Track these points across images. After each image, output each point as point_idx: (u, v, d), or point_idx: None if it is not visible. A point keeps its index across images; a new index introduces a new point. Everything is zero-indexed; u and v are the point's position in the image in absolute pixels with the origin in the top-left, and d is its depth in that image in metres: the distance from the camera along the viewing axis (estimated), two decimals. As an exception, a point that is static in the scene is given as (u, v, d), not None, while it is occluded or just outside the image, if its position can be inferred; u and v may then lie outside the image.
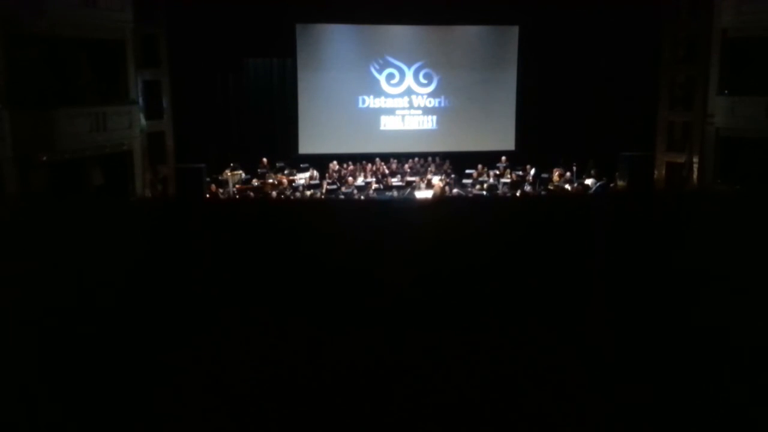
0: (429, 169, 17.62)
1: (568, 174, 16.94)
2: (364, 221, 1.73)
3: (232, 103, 18.12)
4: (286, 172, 16.84)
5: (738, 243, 1.65)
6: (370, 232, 1.67)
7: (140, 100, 14.56)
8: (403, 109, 19.12)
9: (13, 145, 11.28)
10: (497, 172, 17.04)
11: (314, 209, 2.10)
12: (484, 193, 16.17)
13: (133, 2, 13.74)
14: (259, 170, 16.82)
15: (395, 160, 17.92)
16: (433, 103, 19.23)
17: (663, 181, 16.65)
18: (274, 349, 1.43)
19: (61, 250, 1.61)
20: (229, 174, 16.35)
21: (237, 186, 16.13)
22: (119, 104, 13.77)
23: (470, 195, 15.79)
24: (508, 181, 16.66)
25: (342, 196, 15.52)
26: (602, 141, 17.46)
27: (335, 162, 17.43)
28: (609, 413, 1.36)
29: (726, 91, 15.16)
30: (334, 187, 16.33)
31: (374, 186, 16.41)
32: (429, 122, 19.28)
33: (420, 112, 19.22)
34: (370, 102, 18.94)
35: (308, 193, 15.85)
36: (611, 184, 16.68)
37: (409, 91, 19.05)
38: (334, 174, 17.12)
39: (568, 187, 16.37)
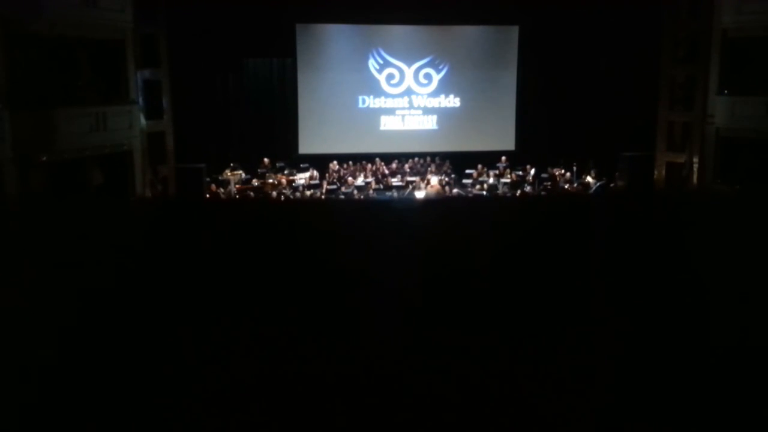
0: (429, 169, 17.62)
1: (568, 174, 16.94)
2: (364, 221, 1.73)
3: (232, 103, 18.12)
4: (286, 172, 16.84)
5: (738, 243, 1.65)
6: (369, 232, 1.67)
7: (140, 100, 14.56)
8: (403, 109, 19.13)
9: (13, 145, 11.28)
10: (497, 172, 17.05)
11: (314, 209, 2.10)
12: (484, 193, 16.17)
13: (133, 2, 13.73)
14: (259, 170, 16.82)
15: (395, 160, 17.93)
16: (433, 103, 19.23)
17: (663, 181, 16.64)
18: (273, 350, 1.43)
19: (60, 250, 1.61)
20: (229, 174, 16.36)
21: (237, 186, 16.13)
22: (119, 104, 13.77)
23: (470, 195, 15.79)
24: (508, 181, 16.66)
25: (342, 196, 15.52)
26: (602, 141, 17.46)
27: (335, 162, 17.43)
28: (609, 414, 1.36)
29: (726, 91, 15.16)
30: (334, 187, 16.33)
31: (374, 186, 16.41)
32: (429, 122, 19.29)
33: (420, 112, 19.23)
34: (370, 102, 18.95)
35: (308, 193, 15.85)
36: (611, 184, 16.68)
37: (409, 91, 19.05)
38: (334, 174, 17.13)
39: (567, 187, 16.38)
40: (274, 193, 15.69)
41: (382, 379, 1.37)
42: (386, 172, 17.37)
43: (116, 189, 13.54)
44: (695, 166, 15.92)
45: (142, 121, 14.63)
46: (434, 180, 16.36)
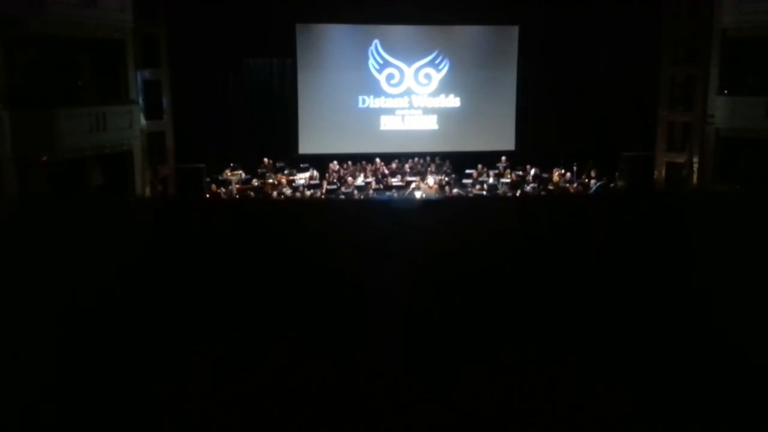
0: (429, 169, 17.61)
1: (568, 174, 16.94)
2: (364, 221, 1.73)
3: (232, 103, 18.12)
4: (286, 172, 16.84)
5: (738, 243, 1.65)
6: (369, 233, 1.67)
7: (140, 100, 14.56)
8: (403, 109, 19.12)
9: (13, 145, 11.28)
10: (497, 172, 17.04)
11: (314, 209, 2.10)
12: (484, 193, 16.17)
13: (133, 2, 13.73)
14: (259, 170, 16.82)
15: (395, 160, 17.92)
16: (433, 103, 19.22)
17: (663, 181, 16.64)
18: (273, 352, 1.43)
19: (60, 249, 1.61)
20: (229, 174, 16.36)
21: (237, 186, 16.14)
22: (119, 104, 13.77)
23: (470, 195, 15.79)
24: (508, 181, 16.66)
25: (342, 196, 15.52)
26: (602, 141, 17.46)
27: (335, 162, 17.43)
28: (609, 414, 1.36)
29: (726, 91, 15.15)
30: (334, 187, 16.33)
31: (374, 186, 16.41)
32: (429, 122, 19.28)
33: (420, 112, 19.22)
34: (370, 102, 18.94)
35: (308, 193, 15.85)
36: (611, 184, 16.68)
37: (408, 91, 19.04)
38: (334, 174, 17.12)
39: (567, 187, 16.37)
40: (274, 193, 15.68)
41: (384, 381, 1.37)
42: (386, 172, 17.36)
43: (116, 189, 13.54)
44: (695, 166, 15.92)
45: (142, 121, 14.63)
46: (431, 181, 16.34)
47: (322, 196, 15.75)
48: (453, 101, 19.25)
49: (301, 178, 16.61)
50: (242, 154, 17.21)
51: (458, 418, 1.33)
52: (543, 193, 16.23)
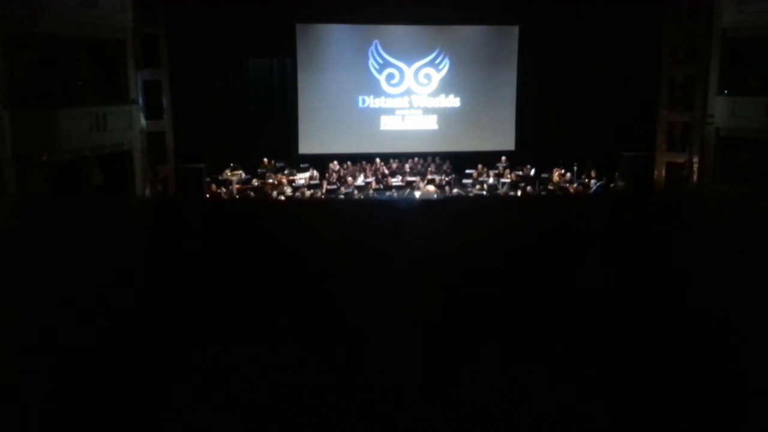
0: (429, 169, 17.61)
1: (568, 174, 16.94)
2: (364, 221, 1.73)
3: (232, 103, 18.12)
4: (286, 172, 16.84)
5: (738, 243, 1.65)
6: (369, 233, 1.67)
7: (140, 100, 14.56)
8: (403, 109, 19.12)
9: (13, 145, 11.29)
10: (497, 172, 17.04)
11: (314, 209, 2.10)
12: (484, 193, 16.17)
13: (133, 2, 13.74)
14: (259, 170, 16.82)
15: (395, 160, 17.92)
16: (433, 103, 19.23)
17: (663, 181, 16.64)
18: (274, 355, 1.43)
19: (59, 250, 1.61)
20: (229, 174, 16.36)
21: (237, 186, 16.14)
22: (119, 104, 13.78)
23: (470, 195, 15.79)
24: (508, 181, 16.66)
25: (342, 196, 15.52)
26: (602, 141, 17.46)
27: (335, 162, 17.43)
28: (609, 413, 1.36)
29: (726, 91, 15.16)
30: (334, 187, 16.33)
31: (374, 186, 16.41)
32: (429, 122, 19.28)
33: (420, 112, 19.22)
34: (370, 102, 18.94)
35: (308, 193, 15.85)
36: (611, 184, 16.68)
37: (408, 91, 19.05)
38: (334, 174, 17.13)
39: (567, 187, 16.37)
40: (274, 193, 15.69)
41: (385, 384, 1.37)
42: (386, 172, 17.36)
43: (116, 189, 13.55)
44: (695, 166, 15.93)
45: (142, 121, 14.64)
46: (430, 187, 16.32)
47: (322, 196, 15.74)
48: (453, 101, 19.25)
49: (301, 178, 16.61)
50: (242, 154, 17.21)
51: (458, 418, 1.33)
52: (543, 193, 16.23)
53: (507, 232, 1.72)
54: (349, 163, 17.51)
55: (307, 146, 18.48)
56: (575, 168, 16.81)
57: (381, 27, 18.67)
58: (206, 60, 16.97)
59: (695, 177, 15.85)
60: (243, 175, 16.62)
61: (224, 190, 15.93)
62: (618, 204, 2.07)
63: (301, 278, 1.56)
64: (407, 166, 17.75)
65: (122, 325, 1.46)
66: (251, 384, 1.36)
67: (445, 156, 18.21)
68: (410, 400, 1.35)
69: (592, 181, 16.50)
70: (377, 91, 18.90)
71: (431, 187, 16.03)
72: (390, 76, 18.90)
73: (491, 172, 17.08)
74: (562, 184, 16.57)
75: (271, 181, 16.24)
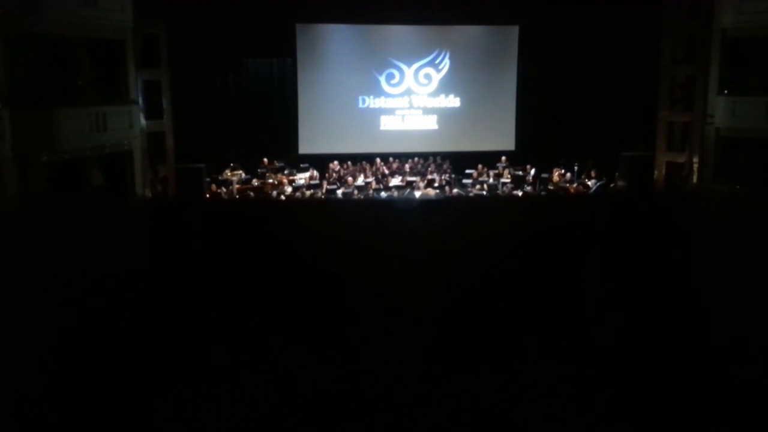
0: (429, 169, 17.61)
1: (568, 174, 16.94)
2: (364, 221, 1.73)
3: (232, 103, 18.12)
4: (286, 172, 16.84)
5: (738, 243, 1.65)
6: (369, 233, 1.67)
7: (140, 100, 14.56)
8: (403, 109, 19.12)
9: (13, 145, 11.28)
10: (497, 172, 17.05)
11: (314, 209, 2.10)
12: (484, 193, 16.17)
13: (133, 2, 13.73)
14: (259, 170, 16.82)
15: (395, 160, 17.92)
16: (433, 103, 19.22)
17: (663, 181, 16.64)
18: (274, 355, 1.43)
19: (59, 250, 1.60)
20: (229, 174, 16.36)
21: (237, 186, 16.14)
22: (119, 104, 13.77)
23: (470, 195, 15.79)
24: (508, 181, 16.66)
25: (342, 196, 15.52)
26: (602, 141, 17.46)
27: (335, 162, 17.43)
28: (609, 414, 1.36)
29: (726, 91, 15.16)
30: (334, 187, 16.33)
31: (374, 186, 16.41)
32: (429, 122, 19.28)
33: (420, 112, 19.22)
34: (370, 102, 18.94)
35: (308, 193, 15.85)
36: (611, 184, 16.68)
37: (408, 91, 19.04)
38: (334, 174, 17.12)
39: (567, 186, 16.37)
40: (274, 193, 15.69)
41: (385, 383, 1.37)
42: (386, 172, 17.36)
43: (116, 189, 13.54)
44: (695, 166, 15.92)
45: (142, 121, 14.63)
46: (429, 190, 16.31)
47: (322, 196, 15.74)
48: (453, 101, 19.25)
49: (301, 178, 16.61)
50: (242, 154, 17.21)
51: (459, 419, 1.33)
52: (543, 193, 16.23)
53: (507, 232, 1.72)
54: (349, 163, 17.50)
55: (307, 146, 18.48)
56: (575, 168, 16.81)
57: (381, 27, 18.66)
58: (206, 60, 16.97)
59: (695, 177, 15.85)
60: (243, 175, 16.62)
61: (224, 190, 15.93)
62: (618, 204, 2.07)
63: (301, 278, 1.56)
64: (407, 166, 17.75)
65: (122, 325, 1.46)
66: (251, 384, 1.36)
67: (445, 156, 18.20)
68: (410, 400, 1.35)
69: (592, 181, 16.50)
70: (377, 91, 18.90)
71: (430, 190, 16.04)
72: (390, 76, 18.90)
73: (491, 172, 17.08)
74: (562, 184, 16.57)
75: (271, 181, 16.23)
